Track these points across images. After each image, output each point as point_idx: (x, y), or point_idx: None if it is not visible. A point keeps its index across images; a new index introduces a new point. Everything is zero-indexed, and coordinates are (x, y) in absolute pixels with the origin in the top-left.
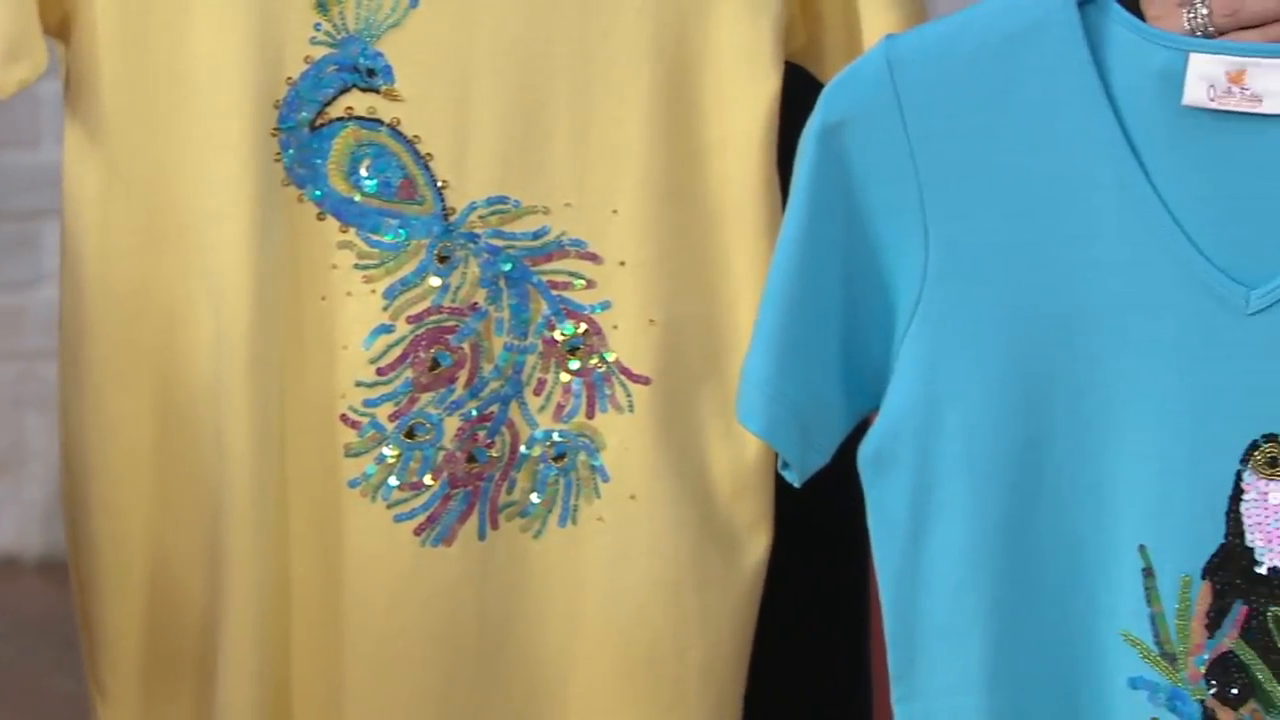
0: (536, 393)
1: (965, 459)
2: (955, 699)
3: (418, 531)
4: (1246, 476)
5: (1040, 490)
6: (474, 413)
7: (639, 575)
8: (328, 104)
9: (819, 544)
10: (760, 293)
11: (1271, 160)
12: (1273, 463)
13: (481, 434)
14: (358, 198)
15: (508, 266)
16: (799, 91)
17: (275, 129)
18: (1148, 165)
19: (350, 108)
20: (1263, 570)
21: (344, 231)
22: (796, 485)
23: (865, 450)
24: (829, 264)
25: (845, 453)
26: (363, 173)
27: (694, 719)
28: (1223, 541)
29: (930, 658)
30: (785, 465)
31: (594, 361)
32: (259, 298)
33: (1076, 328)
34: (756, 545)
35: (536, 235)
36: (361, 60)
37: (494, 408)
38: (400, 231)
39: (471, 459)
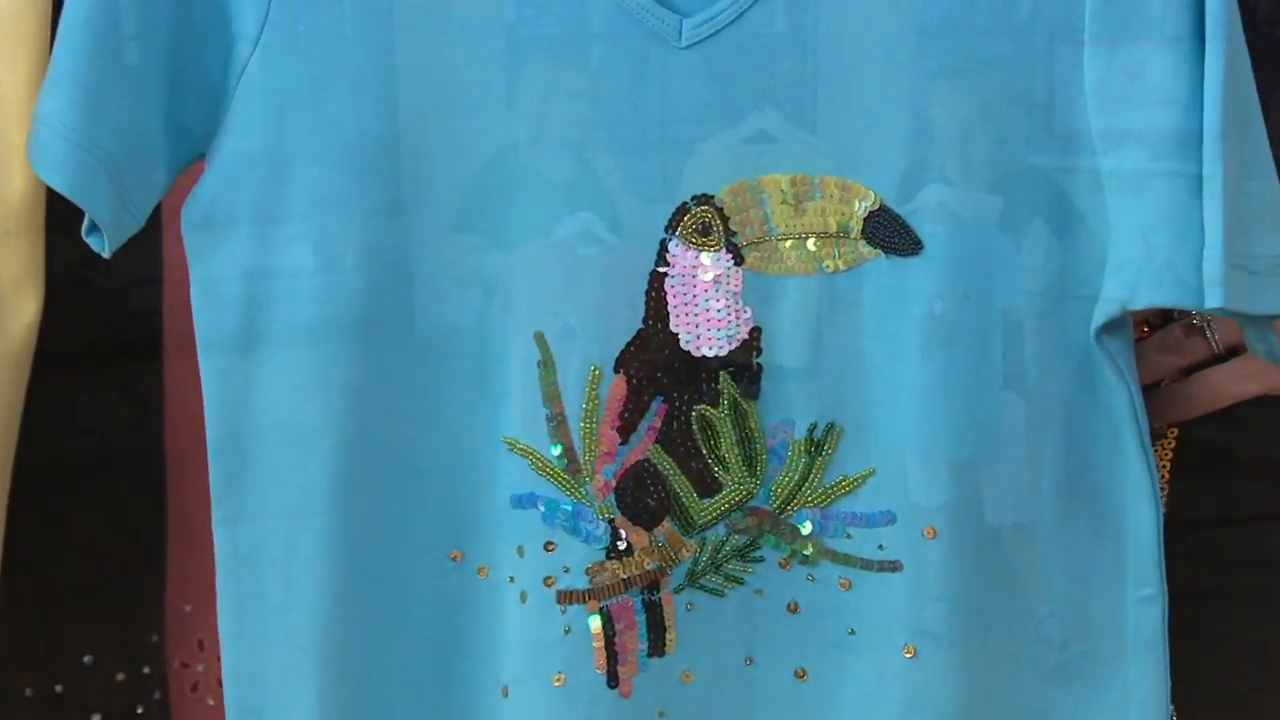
0: None
1: (316, 220)
2: (294, 521)
3: None
4: (673, 247)
5: (409, 263)
6: None
7: None
8: None
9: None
10: None
11: None
12: (704, 230)
13: None
14: None
15: None
16: None
17: None
18: None
19: None
20: (688, 361)
21: None
22: (106, 255)
23: (192, 210)
24: None
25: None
26: None
27: None
28: (641, 327)
29: (264, 471)
30: (92, 229)
31: None
32: None
33: (478, 58)
34: (25, 308)
35: None
36: None
37: None
38: None
39: None
